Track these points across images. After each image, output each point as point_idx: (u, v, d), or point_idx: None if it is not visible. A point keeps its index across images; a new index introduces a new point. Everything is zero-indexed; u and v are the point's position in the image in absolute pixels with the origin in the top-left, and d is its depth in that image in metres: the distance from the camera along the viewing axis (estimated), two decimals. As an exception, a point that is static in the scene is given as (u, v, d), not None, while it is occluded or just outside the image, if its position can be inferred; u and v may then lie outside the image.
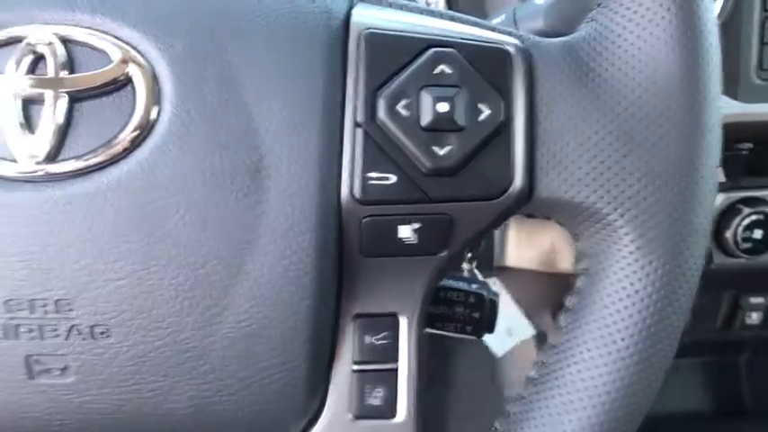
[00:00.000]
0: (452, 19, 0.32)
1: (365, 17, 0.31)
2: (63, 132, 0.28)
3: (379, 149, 0.29)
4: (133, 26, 0.29)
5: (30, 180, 0.28)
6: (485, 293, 0.40)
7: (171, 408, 0.29)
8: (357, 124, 0.29)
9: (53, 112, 0.28)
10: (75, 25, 0.29)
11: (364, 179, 0.29)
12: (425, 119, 0.29)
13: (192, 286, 0.28)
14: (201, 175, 0.28)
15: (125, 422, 0.30)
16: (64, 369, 0.29)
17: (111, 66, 0.28)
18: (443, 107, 0.29)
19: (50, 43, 0.28)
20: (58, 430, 0.29)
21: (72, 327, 0.28)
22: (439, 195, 0.30)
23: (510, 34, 0.32)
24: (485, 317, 0.40)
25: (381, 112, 0.29)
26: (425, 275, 0.32)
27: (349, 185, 0.29)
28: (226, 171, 0.28)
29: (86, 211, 0.28)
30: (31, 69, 0.28)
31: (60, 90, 0.28)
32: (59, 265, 0.28)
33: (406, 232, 0.30)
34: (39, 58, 0.28)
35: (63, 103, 0.28)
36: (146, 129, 0.28)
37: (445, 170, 0.29)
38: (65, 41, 0.29)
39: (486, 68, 0.30)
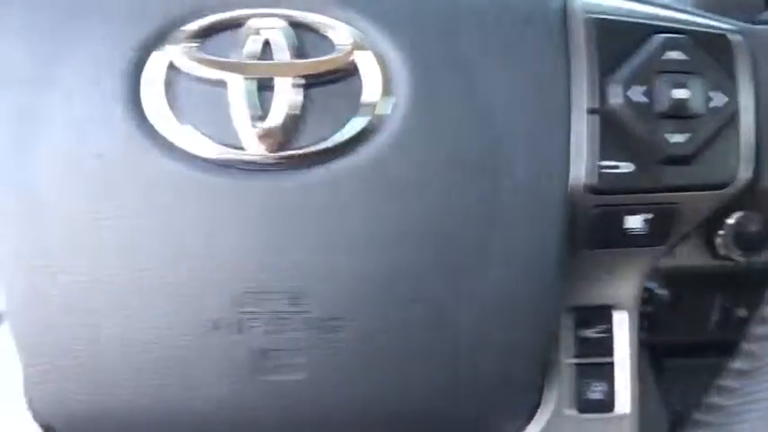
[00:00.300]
0: (660, 5, 0.31)
1: (583, 2, 0.30)
2: (296, 119, 0.27)
3: (612, 137, 0.28)
4: (362, 14, 0.28)
5: (260, 169, 0.27)
6: (654, 288, 0.39)
7: (399, 405, 0.28)
8: (590, 111, 0.28)
9: (288, 98, 0.27)
10: (304, 10, 0.28)
11: (597, 167, 0.28)
12: (661, 105, 0.28)
13: (427, 281, 0.27)
14: (437, 165, 0.27)
15: (352, 420, 0.29)
16: (294, 365, 0.28)
17: (340, 53, 0.27)
18: (681, 93, 0.28)
19: (275, 28, 0.27)
20: (283, 428, 0.29)
21: (306, 320, 0.27)
22: (671, 184, 0.29)
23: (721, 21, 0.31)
24: (656, 312, 0.39)
25: (613, 98, 0.28)
26: (645, 267, 0.31)
27: (579, 174, 0.28)
28: (462, 159, 0.27)
29: (321, 200, 0.27)
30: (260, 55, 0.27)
31: (296, 76, 0.27)
32: (294, 256, 0.27)
33: (634, 222, 0.29)
34: (264, 43, 0.28)
35: (299, 89, 0.27)
36: (379, 118, 0.27)
37: (679, 158, 0.28)
38: (292, 26, 0.28)
39: (715, 55, 0.29)
